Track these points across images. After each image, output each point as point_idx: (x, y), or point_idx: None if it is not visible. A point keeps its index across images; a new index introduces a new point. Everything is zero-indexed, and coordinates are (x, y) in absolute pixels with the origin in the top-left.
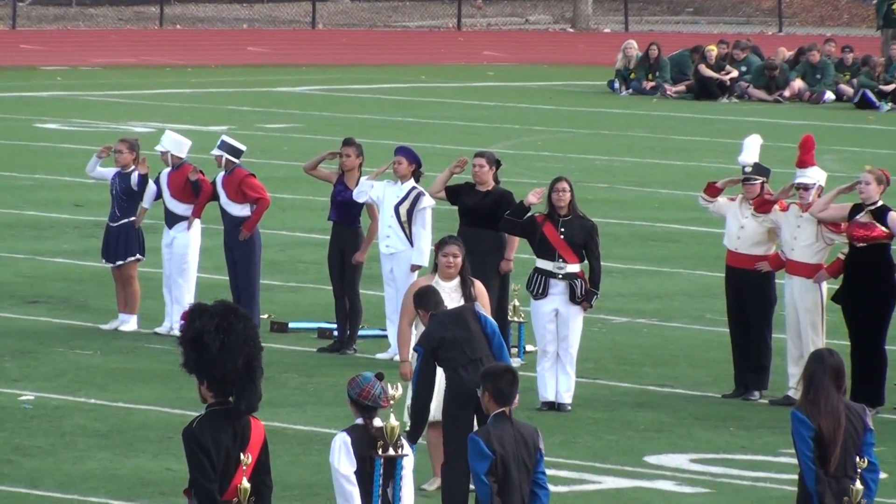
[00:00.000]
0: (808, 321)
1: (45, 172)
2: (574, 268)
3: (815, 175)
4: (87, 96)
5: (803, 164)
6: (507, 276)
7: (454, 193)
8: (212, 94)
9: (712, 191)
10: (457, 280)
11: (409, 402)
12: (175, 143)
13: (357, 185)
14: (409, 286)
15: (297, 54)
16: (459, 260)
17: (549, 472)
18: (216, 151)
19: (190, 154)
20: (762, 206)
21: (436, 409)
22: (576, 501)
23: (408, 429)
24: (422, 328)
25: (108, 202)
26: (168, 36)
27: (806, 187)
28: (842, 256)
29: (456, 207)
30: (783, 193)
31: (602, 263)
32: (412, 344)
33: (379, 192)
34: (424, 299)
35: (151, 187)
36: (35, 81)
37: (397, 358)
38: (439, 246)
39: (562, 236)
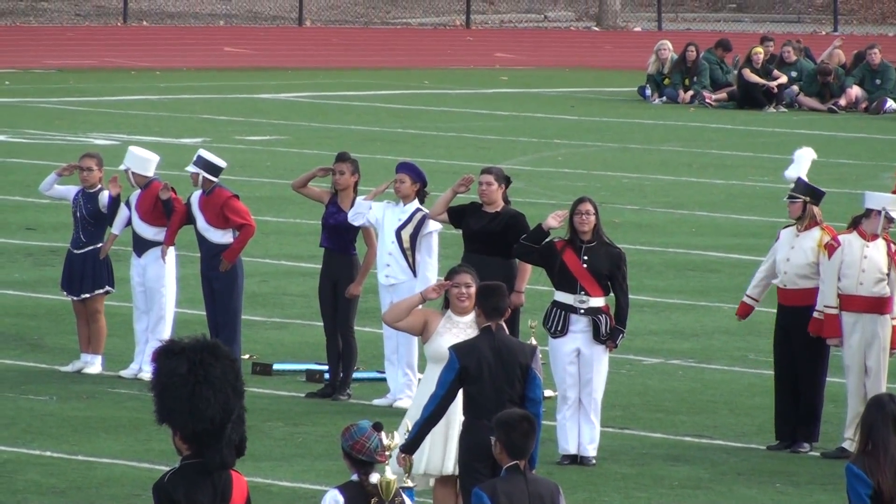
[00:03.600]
0: (882, 362)
1: None
2: (598, 301)
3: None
4: (40, 103)
5: None
6: (517, 311)
7: (458, 215)
8: (184, 102)
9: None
10: (472, 315)
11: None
12: (138, 160)
13: (352, 206)
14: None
15: (281, 56)
16: (474, 290)
17: None
18: (192, 168)
19: (159, 171)
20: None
21: (445, 462)
22: None
23: (403, 440)
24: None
25: (68, 225)
26: (133, 34)
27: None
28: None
29: (461, 231)
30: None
31: (631, 297)
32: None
33: (378, 215)
34: (495, 297)
35: (123, 211)
36: None
37: (398, 404)
38: (449, 276)
39: (584, 265)
